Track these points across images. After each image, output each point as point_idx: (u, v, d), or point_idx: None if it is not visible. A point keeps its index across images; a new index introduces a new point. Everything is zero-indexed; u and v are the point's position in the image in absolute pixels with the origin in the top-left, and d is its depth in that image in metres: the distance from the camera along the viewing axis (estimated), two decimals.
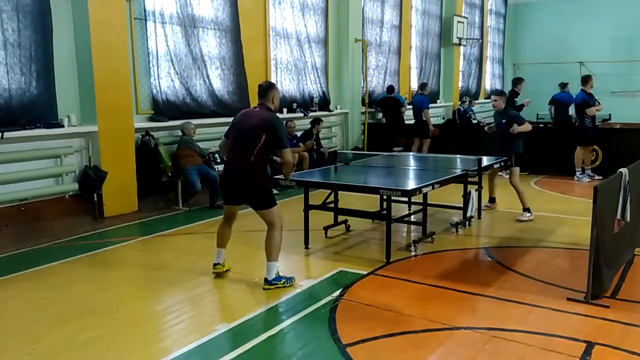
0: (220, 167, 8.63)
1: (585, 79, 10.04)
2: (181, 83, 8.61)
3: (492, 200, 7.84)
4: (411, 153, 8.82)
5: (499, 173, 8.16)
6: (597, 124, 10.40)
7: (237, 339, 3.86)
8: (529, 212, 7.16)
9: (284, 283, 4.81)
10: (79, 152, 7.34)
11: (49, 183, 7.04)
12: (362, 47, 12.36)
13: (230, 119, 9.27)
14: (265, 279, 4.78)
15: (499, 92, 7.60)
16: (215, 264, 5.14)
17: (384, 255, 5.53)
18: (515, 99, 10.87)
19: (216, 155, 8.67)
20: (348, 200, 6.82)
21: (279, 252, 4.83)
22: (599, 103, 10.12)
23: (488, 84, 20.46)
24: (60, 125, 6.97)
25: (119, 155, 7.54)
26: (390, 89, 12.70)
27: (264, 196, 4.81)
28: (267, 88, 4.93)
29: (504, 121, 7.24)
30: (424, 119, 11.68)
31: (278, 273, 4.85)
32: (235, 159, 4.83)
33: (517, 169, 7.22)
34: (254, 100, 9.70)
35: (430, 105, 15.24)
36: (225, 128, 9.27)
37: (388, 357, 3.61)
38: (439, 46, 16.42)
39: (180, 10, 8.50)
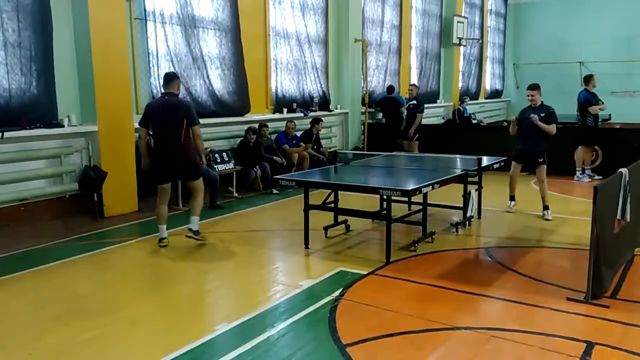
0: (221, 167, 8.64)
1: (587, 79, 10.07)
2: (181, 83, 8.59)
3: (512, 198, 7.67)
4: (411, 153, 8.79)
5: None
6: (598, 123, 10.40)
7: (237, 339, 3.86)
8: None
9: (201, 236, 6.02)
10: (79, 152, 7.34)
11: (49, 183, 7.05)
12: (362, 47, 12.36)
13: (230, 119, 9.44)
14: (191, 229, 5.99)
15: (534, 87, 7.28)
16: (162, 239, 6.03)
17: (384, 255, 5.53)
18: None
19: (216, 154, 8.68)
20: (348, 200, 6.82)
21: (200, 209, 6.08)
22: (603, 102, 10.13)
23: (488, 84, 20.45)
24: (60, 125, 6.98)
25: (119, 155, 7.54)
26: (390, 89, 12.69)
27: (197, 168, 5.96)
28: (173, 77, 5.84)
29: (542, 114, 7.07)
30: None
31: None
32: (169, 142, 5.76)
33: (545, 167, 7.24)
34: (254, 100, 9.80)
35: (430, 105, 15.27)
36: (226, 128, 9.46)
37: (388, 357, 3.61)
38: (439, 46, 16.41)
39: (180, 10, 8.50)
